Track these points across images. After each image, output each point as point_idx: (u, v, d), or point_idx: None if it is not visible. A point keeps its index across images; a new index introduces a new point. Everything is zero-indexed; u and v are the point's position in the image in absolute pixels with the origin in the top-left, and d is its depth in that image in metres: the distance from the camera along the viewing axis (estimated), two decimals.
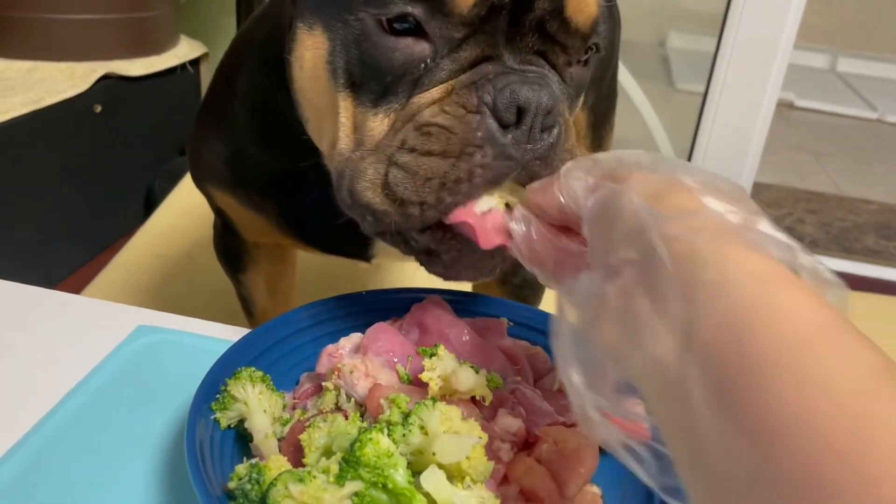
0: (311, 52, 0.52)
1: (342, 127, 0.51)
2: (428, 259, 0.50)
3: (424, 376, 0.42)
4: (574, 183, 0.40)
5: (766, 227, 0.33)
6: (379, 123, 0.49)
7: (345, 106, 0.51)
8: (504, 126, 0.46)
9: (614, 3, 0.74)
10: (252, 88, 0.66)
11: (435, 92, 0.47)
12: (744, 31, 1.62)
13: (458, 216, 0.46)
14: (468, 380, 0.41)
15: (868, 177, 2.46)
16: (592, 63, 0.54)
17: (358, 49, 0.49)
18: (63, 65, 1.44)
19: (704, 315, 0.28)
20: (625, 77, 1.83)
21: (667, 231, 0.31)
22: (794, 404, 0.25)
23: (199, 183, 0.76)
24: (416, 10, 0.46)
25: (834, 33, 3.46)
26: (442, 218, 0.46)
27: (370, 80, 0.49)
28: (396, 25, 0.47)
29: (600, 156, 0.40)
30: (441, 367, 0.42)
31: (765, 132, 1.72)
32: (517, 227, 0.43)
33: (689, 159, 1.78)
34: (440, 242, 0.48)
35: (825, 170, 2.47)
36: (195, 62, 1.70)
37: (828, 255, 1.81)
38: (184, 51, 1.68)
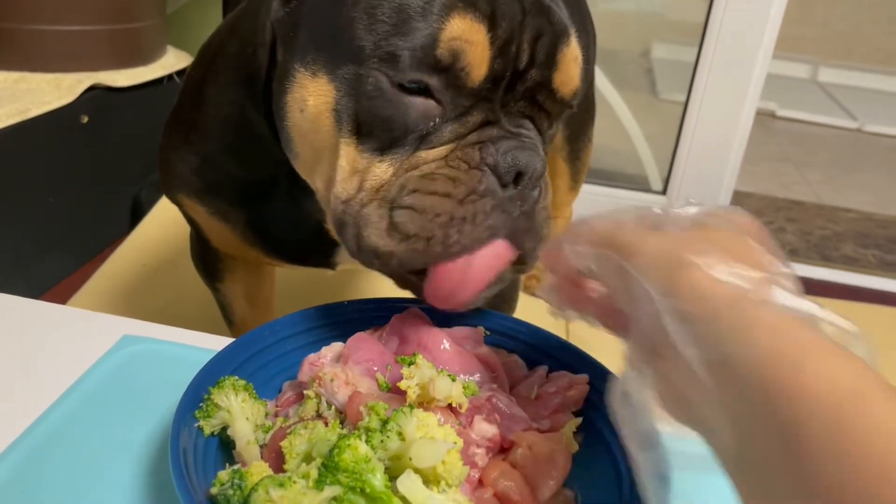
0: (314, 98, 0.53)
1: (340, 170, 0.53)
2: (430, 292, 0.52)
3: (403, 384, 0.43)
4: (581, 251, 0.41)
5: (779, 291, 0.33)
6: (383, 171, 0.52)
7: (347, 151, 0.53)
8: (502, 185, 0.50)
9: (588, 15, 0.76)
10: (223, 101, 0.67)
11: (441, 150, 0.51)
12: (723, 41, 1.65)
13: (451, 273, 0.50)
14: (445, 388, 0.42)
15: (848, 186, 2.50)
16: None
17: (368, 103, 0.51)
18: (50, 76, 1.45)
19: (750, 417, 0.30)
20: (606, 88, 1.86)
21: (694, 327, 0.33)
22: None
23: (170, 192, 0.76)
24: (432, 81, 0.50)
25: (816, 44, 3.51)
26: (444, 260, 0.50)
27: (378, 131, 0.51)
28: (407, 84, 0.50)
29: (595, 221, 0.42)
30: (419, 375, 0.43)
31: (744, 141, 1.74)
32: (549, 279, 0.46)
33: (671, 168, 1.80)
34: (447, 278, 0.51)
35: (806, 179, 2.51)
36: (182, 73, 1.71)
37: (807, 263, 1.83)
38: (170, 61, 1.69)
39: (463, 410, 0.44)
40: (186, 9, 1.91)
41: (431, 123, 0.51)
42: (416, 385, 0.43)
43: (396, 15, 0.49)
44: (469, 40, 0.49)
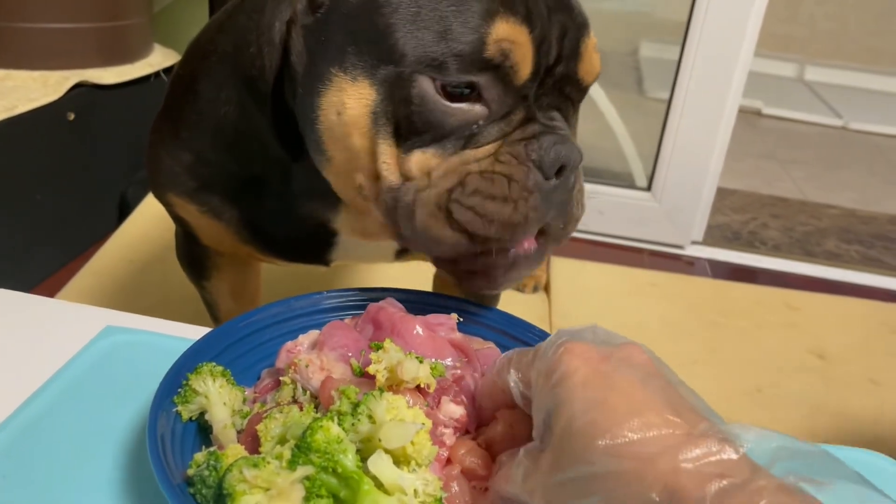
0: (354, 100, 0.54)
1: (385, 166, 0.55)
2: (472, 279, 0.57)
3: (371, 368, 0.44)
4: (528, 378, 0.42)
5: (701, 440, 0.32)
6: (427, 160, 0.54)
7: (388, 151, 0.54)
8: (546, 178, 0.53)
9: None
10: (218, 99, 0.67)
11: (489, 147, 0.53)
12: (706, 39, 1.67)
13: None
14: (412, 369, 0.44)
15: (832, 183, 2.52)
16: None
17: (413, 108, 0.52)
18: (36, 73, 1.45)
19: None
20: (593, 87, 1.87)
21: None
22: None
23: (159, 191, 0.75)
24: (481, 80, 0.51)
25: (802, 43, 3.54)
26: (500, 250, 0.54)
27: (421, 134, 0.53)
28: (451, 90, 0.51)
29: (540, 356, 0.41)
30: (387, 359, 0.44)
31: (727, 138, 1.76)
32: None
33: (655, 165, 1.82)
34: (491, 266, 0.55)
35: (790, 176, 2.53)
36: (169, 70, 1.71)
37: (790, 259, 1.86)
38: (157, 59, 1.70)
39: (431, 391, 0.45)
40: (173, 7, 1.91)
41: (475, 126, 0.53)
42: (385, 369, 0.44)
43: (438, 23, 0.50)
44: (515, 41, 0.51)
